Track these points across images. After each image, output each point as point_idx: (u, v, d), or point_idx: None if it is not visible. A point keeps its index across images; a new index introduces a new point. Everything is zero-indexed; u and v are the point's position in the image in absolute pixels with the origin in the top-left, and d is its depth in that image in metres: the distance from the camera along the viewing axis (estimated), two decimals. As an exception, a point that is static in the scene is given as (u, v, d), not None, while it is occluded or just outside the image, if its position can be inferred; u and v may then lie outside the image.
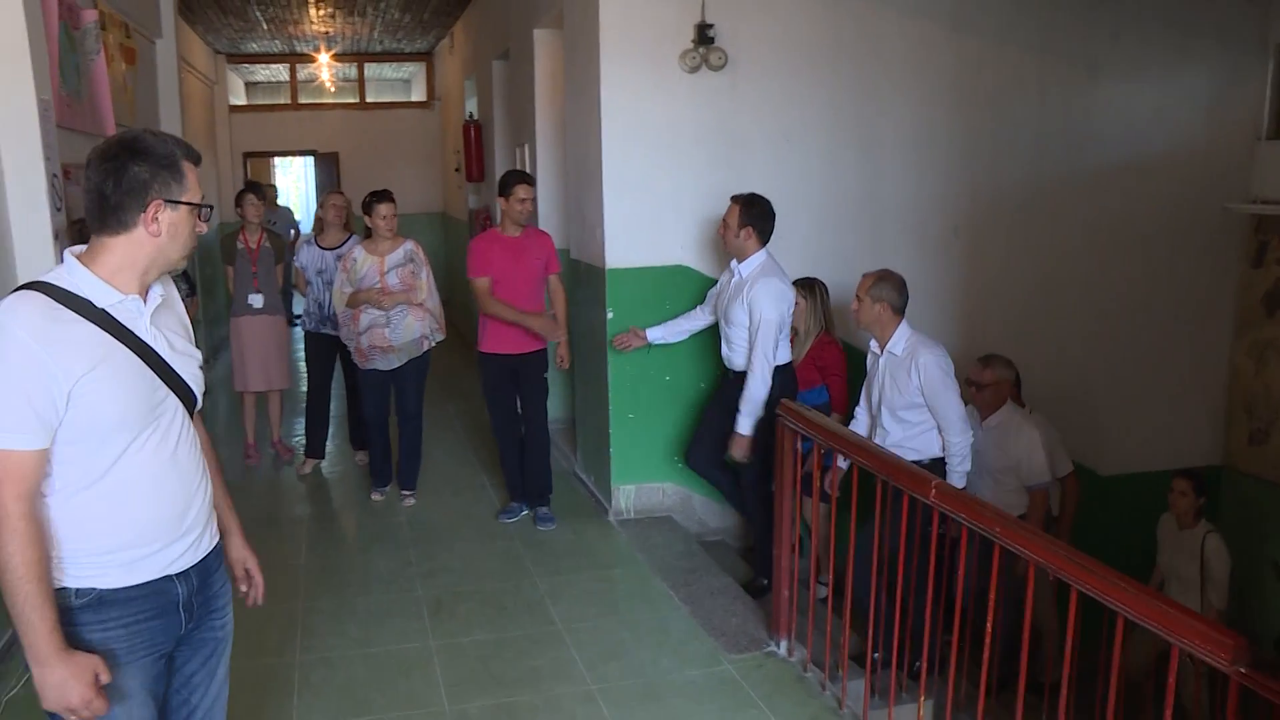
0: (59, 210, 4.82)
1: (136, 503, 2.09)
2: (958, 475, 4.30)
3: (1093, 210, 6.36)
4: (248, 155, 14.56)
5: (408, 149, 14.64)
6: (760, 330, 4.73)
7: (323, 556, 5.26)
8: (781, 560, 4.10)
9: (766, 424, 4.61)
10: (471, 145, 10.31)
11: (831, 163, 5.87)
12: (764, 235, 4.90)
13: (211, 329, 10.29)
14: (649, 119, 5.56)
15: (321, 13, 10.74)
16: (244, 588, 2.58)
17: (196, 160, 2.10)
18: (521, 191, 5.42)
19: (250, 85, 16.90)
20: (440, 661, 4.12)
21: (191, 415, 2.25)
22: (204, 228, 2.15)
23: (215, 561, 2.36)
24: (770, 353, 4.75)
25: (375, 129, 14.81)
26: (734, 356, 4.97)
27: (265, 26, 11.42)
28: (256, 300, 6.60)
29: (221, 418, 8.40)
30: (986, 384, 5.01)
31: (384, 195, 5.68)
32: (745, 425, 4.77)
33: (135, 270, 2.08)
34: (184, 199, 2.07)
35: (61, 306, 1.99)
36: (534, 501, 5.75)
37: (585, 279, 6.02)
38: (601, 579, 4.93)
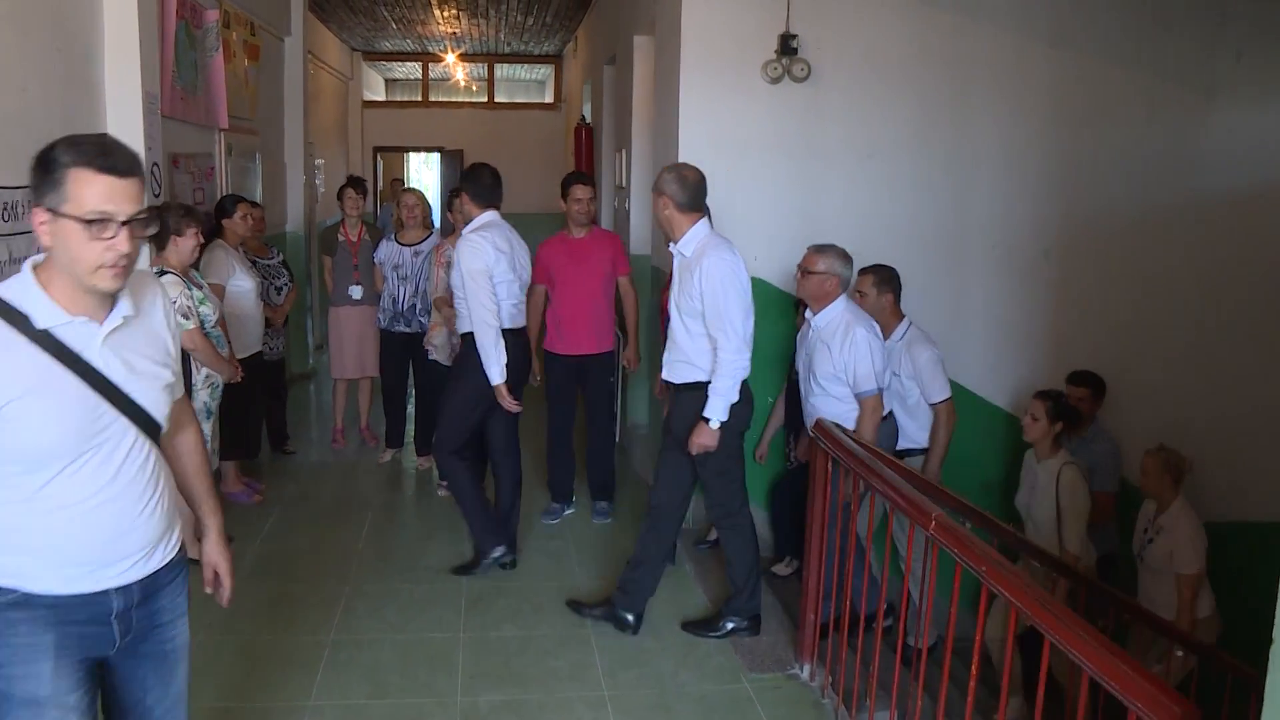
0: (156, 197, 5.08)
1: (68, 525, 2.02)
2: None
3: (1201, 239, 6.02)
4: (378, 150, 15.02)
5: (532, 150, 14.88)
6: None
7: (381, 543, 5.39)
8: (809, 583, 4.02)
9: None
10: (582, 148, 10.42)
11: (916, 180, 5.74)
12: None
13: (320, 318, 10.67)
14: (728, 129, 5.53)
15: (447, 14, 11.03)
16: (208, 589, 2.53)
17: (113, 170, 1.93)
18: (578, 192, 5.49)
19: (390, 82, 17.46)
20: (465, 653, 4.19)
21: (155, 438, 2.16)
22: (119, 244, 1.94)
23: (167, 576, 2.25)
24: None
25: (501, 128, 15.10)
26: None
27: (395, 26, 11.78)
28: (355, 291, 6.80)
29: (314, 403, 8.72)
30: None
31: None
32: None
33: (67, 285, 1.97)
34: (63, 209, 1.90)
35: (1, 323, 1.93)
36: (594, 495, 5.85)
37: (661, 286, 6.02)
38: (643, 586, 4.91)
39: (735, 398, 4.02)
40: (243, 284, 5.49)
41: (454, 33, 12.38)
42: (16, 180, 3.94)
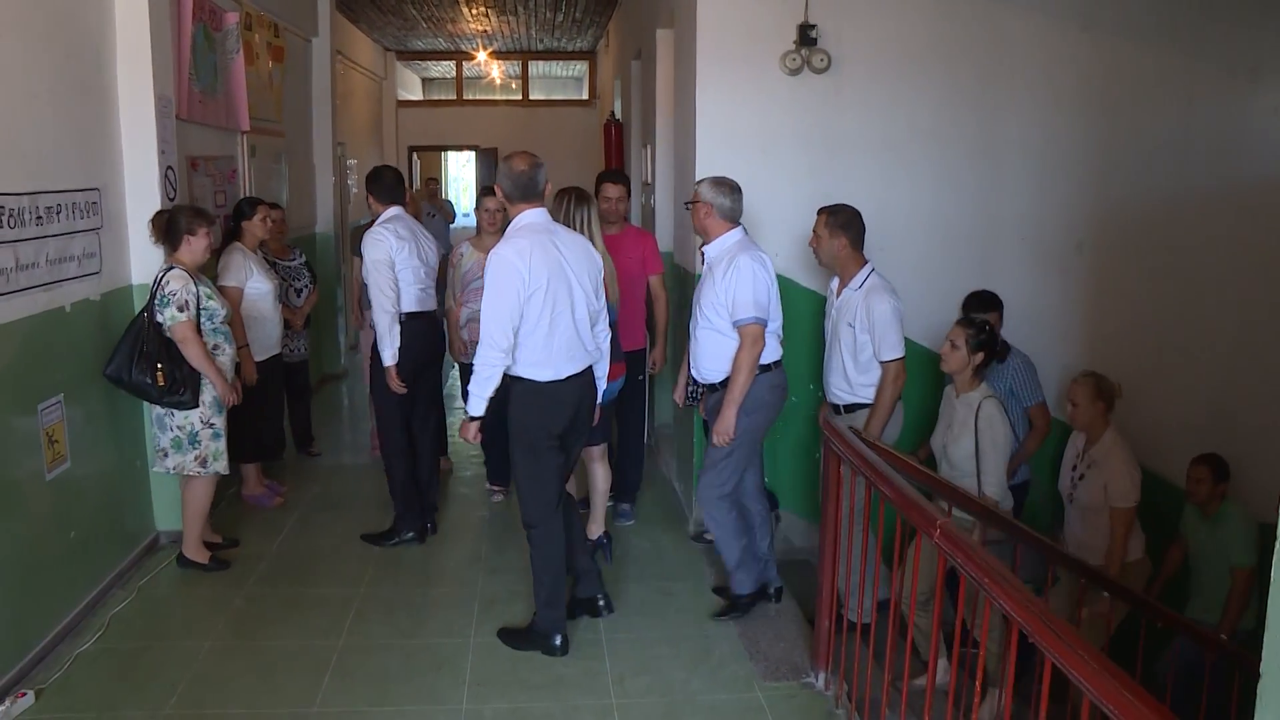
0: (171, 200, 5.08)
1: None
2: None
3: (1244, 228, 5.78)
4: (413, 149, 15.05)
5: (566, 146, 14.78)
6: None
7: (398, 546, 5.33)
8: (824, 588, 3.91)
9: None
10: (611, 144, 10.35)
11: (941, 171, 5.59)
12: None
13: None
14: (746, 122, 5.42)
15: (475, 11, 11.00)
16: None
17: None
18: (608, 190, 5.47)
19: (426, 81, 17.49)
20: (473, 660, 4.13)
21: None
22: None
23: None
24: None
25: (536, 126, 15.06)
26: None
27: (424, 25, 11.78)
28: None
29: (345, 404, 8.73)
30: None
31: (489, 190, 5.72)
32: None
33: None
34: None
35: None
36: (618, 496, 5.74)
37: (683, 284, 5.93)
38: (661, 590, 4.83)
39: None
40: (261, 286, 5.47)
41: (485, 30, 12.36)
42: (28, 186, 3.95)
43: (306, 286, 6.51)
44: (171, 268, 4.61)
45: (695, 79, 5.42)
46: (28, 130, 4.01)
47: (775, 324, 4.37)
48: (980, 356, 4.37)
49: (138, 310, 4.67)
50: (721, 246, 4.36)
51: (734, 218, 4.38)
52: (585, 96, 15.69)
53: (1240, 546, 4.58)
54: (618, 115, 10.61)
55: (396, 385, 5.06)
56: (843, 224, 4.50)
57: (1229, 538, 4.63)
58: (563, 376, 4.00)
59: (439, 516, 5.67)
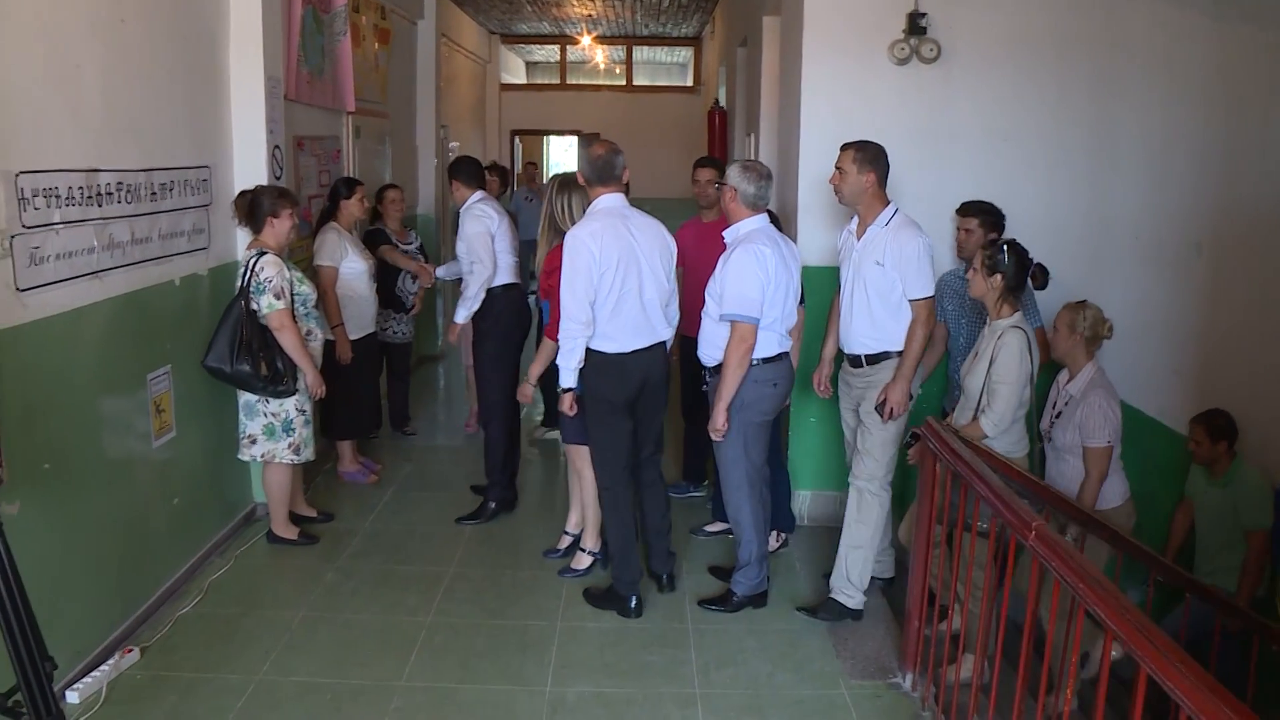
0: (278, 178, 5.18)
1: None
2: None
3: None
4: (516, 133, 15.15)
5: (669, 133, 14.73)
6: None
7: (489, 527, 5.39)
8: (914, 589, 3.83)
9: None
10: (715, 132, 10.27)
11: (1053, 166, 5.41)
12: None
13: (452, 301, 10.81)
14: (852, 112, 5.31)
15: (580, -5, 11.02)
16: None
17: None
18: (699, 174, 5.53)
19: (530, 65, 17.60)
20: (559, 643, 4.15)
21: None
22: None
23: None
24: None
25: (639, 111, 15.02)
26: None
27: (530, 8, 11.83)
28: None
29: (441, 385, 8.84)
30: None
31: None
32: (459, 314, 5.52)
33: None
34: None
35: None
36: (691, 478, 5.92)
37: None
38: (749, 582, 4.79)
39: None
40: (356, 265, 5.56)
41: (589, 14, 12.37)
42: (144, 164, 4.07)
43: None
44: (263, 253, 4.59)
45: (800, 67, 5.33)
46: (145, 110, 4.13)
47: (776, 316, 4.24)
48: (998, 280, 4.03)
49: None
50: (735, 234, 4.31)
51: (757, 205, 4.29)
52: (689, 83, 15.61)
53: (1255, 508, 4.24)
54: (722, 103, 10.54)
55: (454, 338, 5.77)
56: (871, 159, 4.25)
57: (1241, 499, 4.31)
58: (628, 350, 4.26)
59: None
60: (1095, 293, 5.41)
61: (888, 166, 4.31)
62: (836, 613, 4.35)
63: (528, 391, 4.93)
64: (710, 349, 4.33)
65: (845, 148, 4.31)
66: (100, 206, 3.75)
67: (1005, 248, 4.08)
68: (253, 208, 4.68)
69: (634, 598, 4.42)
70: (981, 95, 5.32)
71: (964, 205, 5.02)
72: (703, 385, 4.64)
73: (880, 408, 4.23)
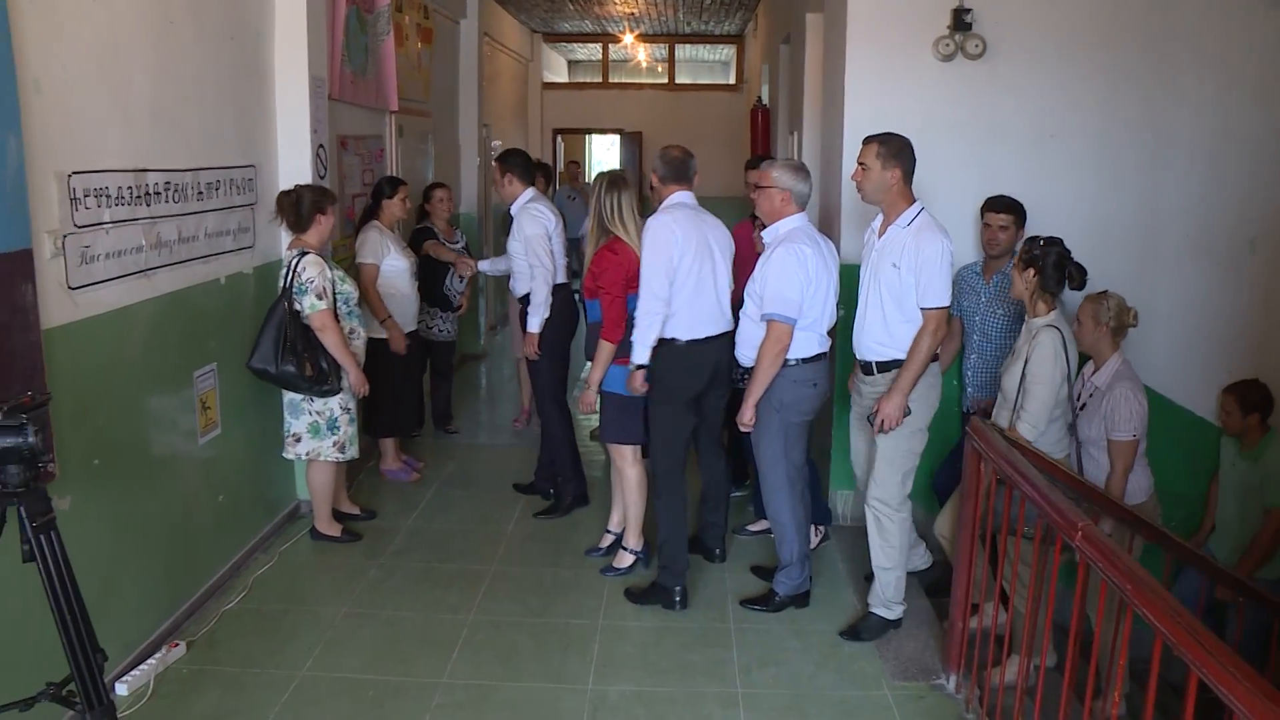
0: (321, 178, 5.22)
1: None
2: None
3: None
4: (558, 131, 15.18)
5: (712, 131, 14.64)
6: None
7: (531, 525, 5.41)
8: (958, 589, 3.79)
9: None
10: (758, 130, 10.24)
11: (1102, 162, 5.32)
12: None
13: (505, 298, 10.82)
14: (895, 108, 5.25)
15: (622, -8, 11.02)
16: None
17: None
18: (750, 176, 5.42)
19: (572, 63, 17.63)
20: (601, 641, 4.15)
21: None
22: None
23: None
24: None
25: (681, 110, 15.00)
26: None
27: (572, 6, 11.84)
28: None
29: (484, 384, 8.88)
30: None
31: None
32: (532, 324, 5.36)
33: None
34: None
35: None
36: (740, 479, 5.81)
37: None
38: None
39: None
40: (397, 264, 5.59)
41: (632, 13, 12.37)
42: (191, 163, 4.11)
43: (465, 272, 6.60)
44: (304, 253, 4.62)
45: (844, 64, 5.29)
46: (192, 110, 4.17)
47: (816, 316, 4.22)
48: (1032, 274, 3.99)
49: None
50: (775, 233, 4.27)
51: (804, 204, 4.29)
52: (732, 81, 15.57)
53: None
54: (765, 101, 10.50)
55: (534, 351, 5.41)
56: (895, 153, 3.99)
57: (1272, 474, 4.18)
58: (701, 336, 4.40)
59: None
60: (1144, 291, 5.33)
61: (914, 161, 4.08)
62: (879, 629, 4.24)
63: (590, 399, 4.69)
64: (748, 349, 4.31)
65: (868, 141, 4.06)
66: (148, 206, 3.80)
67: (1042, 243, 4.02)
68: (295, 207, 4.71)
69: (680, 588, 4.46)
70: (1028, 91, 5.25)
71: (993, 200, 4.93)
72: (738, 385, 4.63)
73: (874, 418, 4.05)
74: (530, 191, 5.59)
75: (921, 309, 3.95)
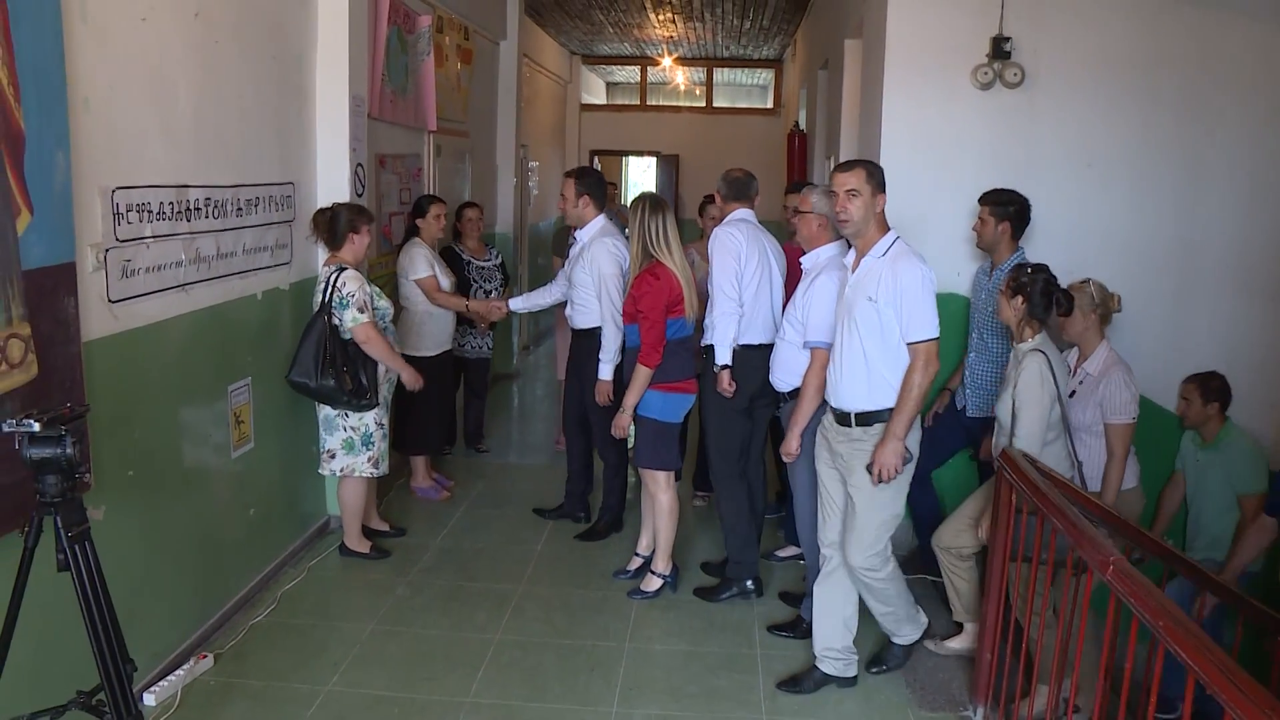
0: (359, 196, 5.27)
1: None
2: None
3: None
4: (595, 153, 15.25)
5: (749, 155, 14.49)
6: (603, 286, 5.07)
7: (559, 546, 5.41)
8: (987, 619, 3.75)
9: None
10: (795, 155, 10.25)
11: (1142, 193, 5.27)
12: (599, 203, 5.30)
13: (538, 317, 10.86)
14: (933, 136, 5.26)
15: (662, 17, 11.08)
16: None
17: None
18: (791, 200, 5.46)
19: (611, 86, 17.72)
20: (627, 664, 4.14)
21: None
22: None
23: None
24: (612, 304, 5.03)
25: (718, 133, 15.02)
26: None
27: (611, 29, 11.92)
28: None
29: (516, 404, 8.90)
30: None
31: (710, 198, 5.80)
32: (604, 371, 5.09)
33: None
34: None
35: None
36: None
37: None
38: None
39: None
40: (439, 281, 5.64)
41: (671, 36, 12.43)
42: (231, 180, 4.17)
43: (498, 288, 6.63)
44: (343, 268, 4.67)
45: (882, 91, 5.30)
46: (234, 128, 4.23)
47: None
48: (1020, 301, 3.91)
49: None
50: (815, 260, 4.32)
51: (839, 231, 4.06)
52: (770, 105, 15.58)
53: (1248, 469, 4.14)
54: (802, 125, 10.52)
55: (606, 399, 5.07)
56: (881, 179, 3.71)
57: (1234, 463, 4.24)
58: (755, 343, 4.61)
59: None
60: (1182, 323, 5.30)
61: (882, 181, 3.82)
62: (903, 657, 4.17)
63: (625, 422, 4.72)
64: (788, 374, 4.33)
65: (851, 166, 3.71)
66: (189, 221, 3.86)
67: (1030, 271, 4.02)
68: (331, 225, 4.75)
69: (751, 578, 4.79)
70: (1066, 121, 5.23)
71: (983, 195, 4.89)
72: (776, 410, 4.63)
73: (870, 468, 3.70)
74: (602, 219, 5.27)
75: (908, 344, 3.62)
